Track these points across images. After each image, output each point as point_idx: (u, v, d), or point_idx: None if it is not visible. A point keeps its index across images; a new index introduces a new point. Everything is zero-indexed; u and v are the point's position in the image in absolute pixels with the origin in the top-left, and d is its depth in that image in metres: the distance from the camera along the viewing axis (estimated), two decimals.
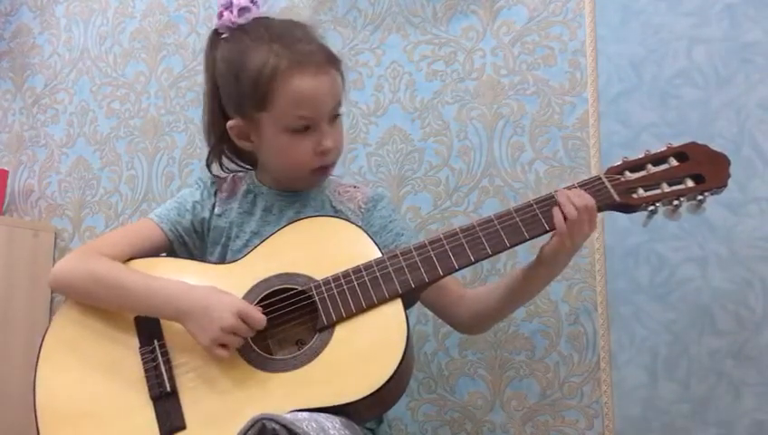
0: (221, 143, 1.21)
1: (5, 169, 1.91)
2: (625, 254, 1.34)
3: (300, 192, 1.21)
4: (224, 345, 0.98)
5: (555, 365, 1.36)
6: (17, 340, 1.70)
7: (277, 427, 0.80)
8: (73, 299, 1.10)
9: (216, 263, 1.16)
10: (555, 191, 1.04)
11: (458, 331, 1.25)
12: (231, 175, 1.25)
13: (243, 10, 1.13)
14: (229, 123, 1.15)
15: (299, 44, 1.09)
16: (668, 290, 1.30)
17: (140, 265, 1.11)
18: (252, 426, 0.81)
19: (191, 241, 1.18)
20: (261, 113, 1.11)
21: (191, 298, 1.02)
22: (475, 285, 1.42)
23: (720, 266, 1.27)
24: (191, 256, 1.18)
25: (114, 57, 1.90)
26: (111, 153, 1.84)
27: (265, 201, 1.20)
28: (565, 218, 1.00)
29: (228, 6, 1.13)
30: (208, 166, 1.23)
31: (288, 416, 0.83)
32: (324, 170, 1.16)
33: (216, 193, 1.22)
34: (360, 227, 1.09)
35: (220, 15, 1.14)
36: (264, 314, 1.00)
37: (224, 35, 1.15)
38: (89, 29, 1.94)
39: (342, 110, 1.16)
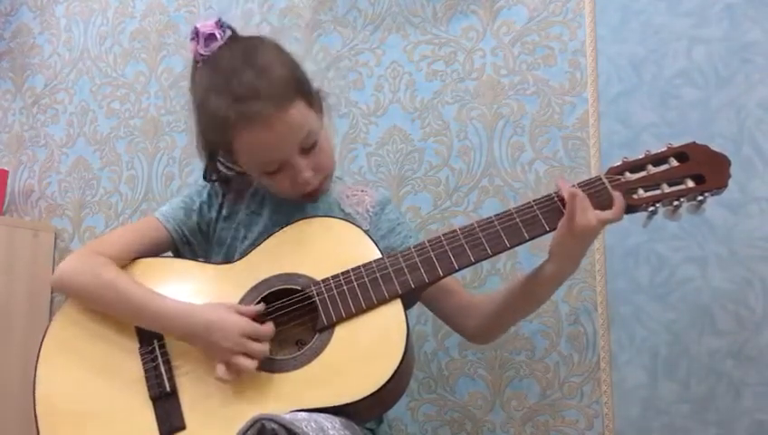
0: (213, 160, 1.19)
1: (5, 169, 1.91)
2: (625, 254, 1.34)
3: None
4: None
5: (555, 365, 1.36)
6: (17, 340, 1.70)
7: (276, 427, 0.80)
8: (75, 301, 1.10)
9: (218, 263, 1.15)
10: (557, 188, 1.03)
11: (466, 338, 1.21)
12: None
13: (208, 39, 1.09)
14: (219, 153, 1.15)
15: (246, 99, 1.02)
16: (668, 290, 1.30)
17: (142, 266, 1.11)
18: (251, 426, 0.81)
19: (195, 241, 1.18)
20: (231, 156, 1.10)
21: (196, 322, 1.00)
22: (474, 284, 1.42)
23: (720, 266, 1.27)
24: (194, 256, 1.18)
25: (114, 57, 1.90)
26: (111, 153, 1.84)
27: (274, 202, 1.19)
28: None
29: (195, 36, 1.10)
30: (206, 179, 1.21)
31: (287, 416, 0.83)
32: (313, 193, 1.14)
33: (224, 194, 1.21)
34: (359, 227, 1.09)
35: (192, 46, 1.11)
36: (263, 313, 1.01)
37: (198, 63, 1.12)
38: (89, 29, 1.94)
39: (319, 134, 1.10)
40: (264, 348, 0.98)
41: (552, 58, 1.45)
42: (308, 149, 1.08)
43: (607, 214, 1.00)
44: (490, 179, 1.46)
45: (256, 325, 0.99)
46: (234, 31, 1.12)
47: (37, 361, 1.06)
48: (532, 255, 1.36)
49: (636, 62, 1.38)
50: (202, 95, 1.09)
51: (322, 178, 1.13)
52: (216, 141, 1.10)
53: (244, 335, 0.97)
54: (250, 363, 0.96)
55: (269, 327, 1.00)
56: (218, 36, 1.09)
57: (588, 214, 0.98)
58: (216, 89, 1.05)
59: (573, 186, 1.03)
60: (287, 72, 1.07)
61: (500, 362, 1.40)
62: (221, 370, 0.97)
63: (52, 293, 1.82)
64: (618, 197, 1.01)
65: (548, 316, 1.37)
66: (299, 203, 1.17)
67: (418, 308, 1.26)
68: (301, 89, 1.07)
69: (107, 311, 1.07)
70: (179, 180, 1.75)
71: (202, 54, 1.10)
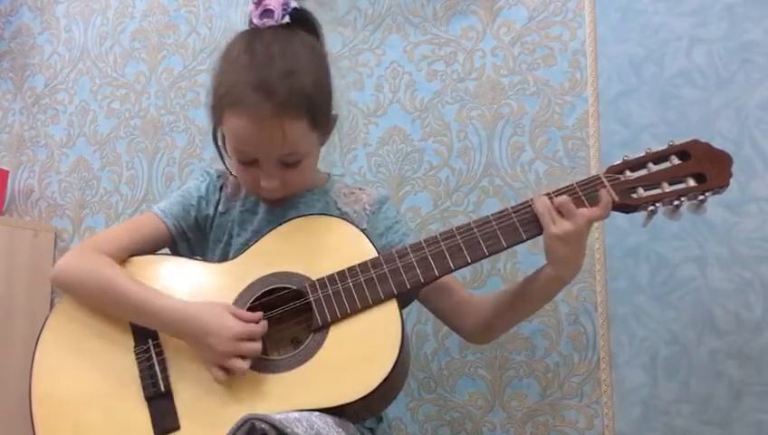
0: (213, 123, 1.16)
1: (5, 169, 1.91)
2: (625, 254, 1.33)
3: (303, 193, 1.20)
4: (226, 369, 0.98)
5: (555, 365, 1.36)
6: (17, 340, 1.70)
7: (266, 427, 0.79)
8: (73, 297, 1.10)
9: (213, 261, 1.15)
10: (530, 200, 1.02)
11: (463, 337, 1.20)
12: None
13: (265, 14, 1.08)
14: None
15: (256, 88, 1.01)
16: (668, 290, 1.30)
17: (137, 264, 1.10)
18: (241, 426, 0.80)
19: (193, 237, 1.18)
20: (219, 126, 1.10)
21: (192, 323, 1.00)
22: (474, 285, 1.42)
23: (720, 266, 1.27)
24: (191, 251, 1.17)
25: (114, 57, 1.90)
26: (111, 153, 1.85)
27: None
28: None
29: (259, 2, 1.08)
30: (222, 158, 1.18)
31: (278, 416, 0.82)
32: (274, 201, 1.14)
33: (221, 188, 1.20)
34: (355, 225, 1.08)
35: (251, 9, 1.09)
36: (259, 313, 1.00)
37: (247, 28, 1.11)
38: (89, 29, 1.94)
39: (306, 154, 1.08)
40: (257, 347, 0.97)
41: (552, 58, 1.45)
42: (287, 163, 1.07)
43: (593, 211, 0.99)
44: (490, 179, 1.46)
45: (250, 327, 0.98)
46: (293, 20, 1.09)
47: (33, 358, 1.06)
48: (531, 254, 1.36)
49: (636, 62, 1.37)
50: (227, 59, 1.07)
51: (284, 194, 1.12)
52: (213, 107, 1.09)
53: (238, 339, 0.96)
54: (243, 365, 0.96)
55: (262, 326, 0.99)
56: (276, 16, 1.07)
57: (576, 218, 0.98)
58: (241, 62, 1.04)
59: (572, 185, 1.02)
60: (310, 86, 1.04)
61: (500, 362, 1.40)
62: (218, 374, 0.97)
63: (52, 293, 1.82)
64: (604, 195, 1.00)
65: (548, 316, 1.37)
66: (294, 202, 1.16)
67: (419, 308, 1.26)
68: (312, 108, 1.04)
69: (105, 309, 1.07)
70: (179, 180, 1.75)
71: (253, 23, 1.09)
